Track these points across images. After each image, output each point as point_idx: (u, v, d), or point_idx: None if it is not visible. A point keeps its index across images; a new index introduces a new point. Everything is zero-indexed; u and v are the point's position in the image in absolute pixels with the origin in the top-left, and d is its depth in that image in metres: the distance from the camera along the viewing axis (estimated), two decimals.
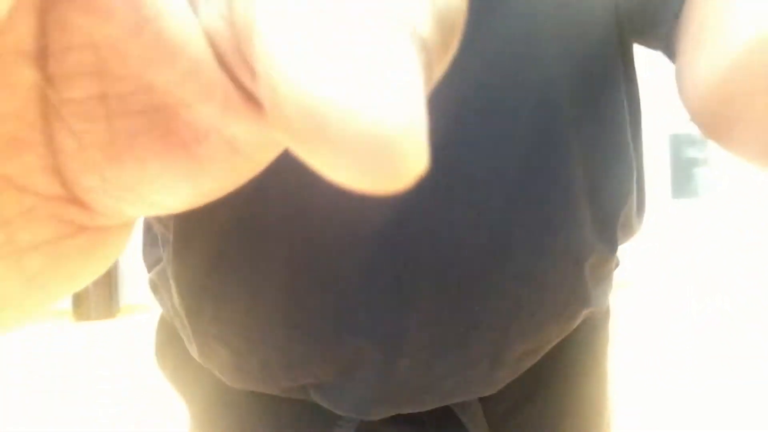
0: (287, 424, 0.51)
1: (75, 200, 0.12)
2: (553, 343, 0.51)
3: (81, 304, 4.70)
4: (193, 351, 0.50)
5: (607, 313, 0.59)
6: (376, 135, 0.08)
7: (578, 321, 0.51)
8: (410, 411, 0.48)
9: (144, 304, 5.69)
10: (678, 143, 4.63)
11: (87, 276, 0.13)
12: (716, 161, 4.28)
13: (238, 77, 0.11)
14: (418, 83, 0.08)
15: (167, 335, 0.57)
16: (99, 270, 0.13)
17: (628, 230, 0.53)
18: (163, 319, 0.58)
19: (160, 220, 0.49)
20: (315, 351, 0.46)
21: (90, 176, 0.12)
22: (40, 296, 0.12)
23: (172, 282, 0.49)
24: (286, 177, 0.42)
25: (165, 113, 0.11)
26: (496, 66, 0.42)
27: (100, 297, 5.10)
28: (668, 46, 0.42)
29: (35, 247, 0.12)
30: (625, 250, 0.54)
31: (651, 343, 3.17)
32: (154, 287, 0.56)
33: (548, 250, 0.46)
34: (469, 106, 0.42)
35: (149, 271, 0.58)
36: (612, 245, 0.51)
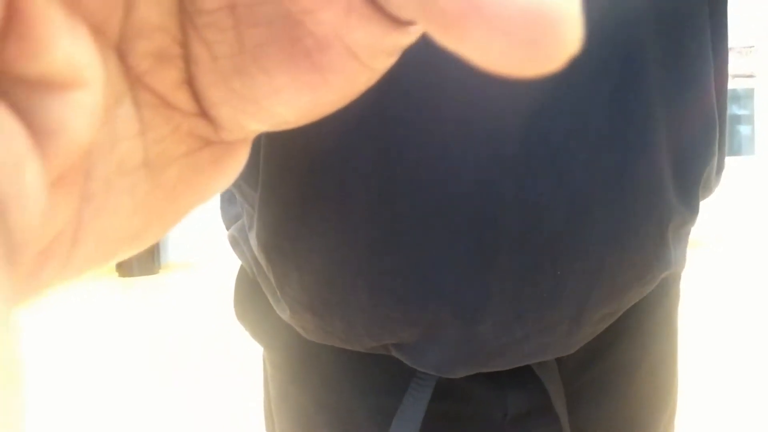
0: (367, 377, 0.52)
1: (204, 115, 0.13)
2: (631, 305, 0.50)
3: (124, 261, 4.84)
4: (284, 313, 0.51)
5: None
6: (537, 11, 0.08)
7: (657, 283, 0.51)
8: (489, 370, 0.49)
9: (183, 261, 5.83)
10: None
11: (214, 188, 0.14)
12: (761, 119, 4.14)
13: None
14: None
15: (247, 289, 0.58)
16: (225, 183, 0.14)
17: (707, 190, 0.53)
18: (243, 273, 0.59)
19: (242, 186, 0.50)
20: (398, 314, 0.46)
21: (219, 89, 0.12)
22: (176, 208, 0.13)
23: (260, 252, 0.50)
24: (371, 134, 0.42)
25: (290, 22, 0.12)
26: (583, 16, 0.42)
27: (143, 255, 5.24)
28: None
29: (174, 160, 0.13)
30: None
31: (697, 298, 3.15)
32: (234, 242, 0.57)
33: (631, 214, 0.46)
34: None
35: (228, 227, 0.59)
36: (694, 207, 0.50)
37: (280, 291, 0.50)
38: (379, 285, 0.46)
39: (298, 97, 0.12)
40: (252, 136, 0.14)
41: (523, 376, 0.51)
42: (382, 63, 0.12)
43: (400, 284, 0.45)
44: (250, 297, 0.57)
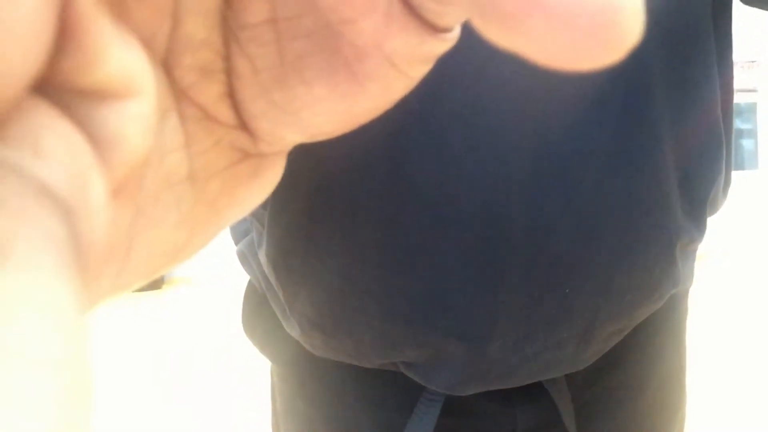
0: (375, 392, 0.52)
1: (243, 127, 0.13)
2: (639, 321, 0.51)
3: None
4: (294, 330, 0.51)
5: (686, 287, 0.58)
6: (600, 1, 0.08)
7: (665, 300, 0.51)
8: (498, 388, 0.49)
9: (188, 277, 5.83)
10: None
11: (254, 200, 0.14)
12: (764, 133, 4.15)
13: None
14: None
15: (256, 304, 0.58)
16: (262, 195, 0.14)
17: (714, 207, 0.53)
18: (251, 288, 0.59)
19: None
20: (408, 334, 0.47)
21: (259, 101, 0.13)
22: (218, 221, 0.14)
23: (269, 269, 0.50)
24: (379, 155, 0.43)
25: (329, 33, 0.12)
26: None
27: None
28: None
29: (216, 173, 0.13)
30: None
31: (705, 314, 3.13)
32: (243, 258, 0.58)
33: (640, 233, 0.46)
34: (559, 91, 0.42)
35: (236, 243, 0.59)
36: (701, 225, 0.50)
37: (289, 308, 0.50)
38: (388, 305, 0.46)
39: (336, 107, 0.13)
40: (289, 148, 0.14)
41: (533, 392, 0.51)
42: (419, 70, 0.12)
43: (409, 304, 0.46)
44: (258, 312, 0.58)
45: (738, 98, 4.08)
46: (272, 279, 0.50)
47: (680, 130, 0.46)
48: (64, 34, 0.09)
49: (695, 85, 0.47)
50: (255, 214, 0.50)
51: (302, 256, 0.47)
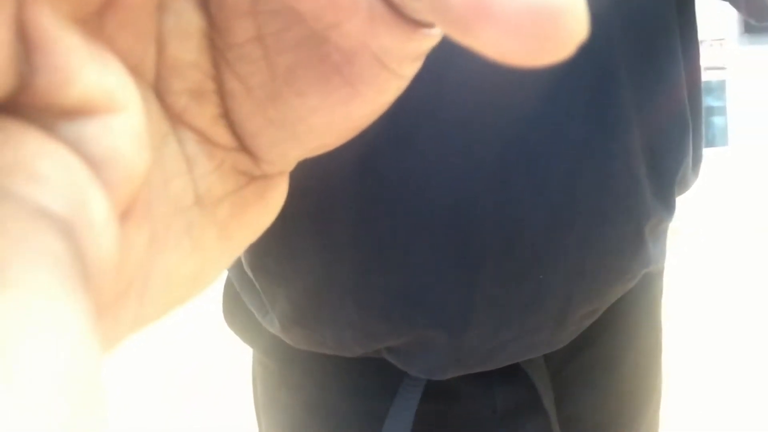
0: (357, 380, 0.53)
1: (244, 149, 0.13)
2: (613, 301, 0.52)
3: None
4: (273, 326, 0.51)
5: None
6: (542, 6, 0.08)
7: (637, 279, 0.52)
8: (478, 371, 0.50)
9: None
10: None
11: (263, 223, 0.14)
12: (733, 110, 4.21)
13: None
14: None
15: (235, 296, 0.58)
16: (271, 217, 0.14)
17: (684, 186, 0.54)
18: (229, 282, 0.59)
19: None
20: (387, 327, 0.47)
21: (255, 119, 0.13)
22: (230, 246, 0.14)
23: (248, 269, 0.49)
24: (349, 156, 0.42)
25: (316, 41, 0.12)
26: None
27: None
28: None
29: (225, 197, 0.13)
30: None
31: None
32: None
33: (610, 217, 0.47)
34: (526, 81, 0.42)
35: None
36: (670, 205, 0.51)
37: (270, 306, 0.50)
38: (366, 302, 0.46)
39: (333, 115, 0.13)
40: (291, 166, 0.14)
41: (511, 373, 0.51)
42: (409, 68, 0.13)
43: (388, 300, 0.46)
44: (237, 301, 0.58)
45: (708, 76, 4.12)
46: (252, 279, 0.50)
47: (646, 112, 0.46)
48: (30, 53, 0.09)
49: (660, 68, 0.47)
50: None
51: (277, 256, 0.47)
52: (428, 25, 0.12)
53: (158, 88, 0.12)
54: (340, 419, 0.53)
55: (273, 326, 0.51)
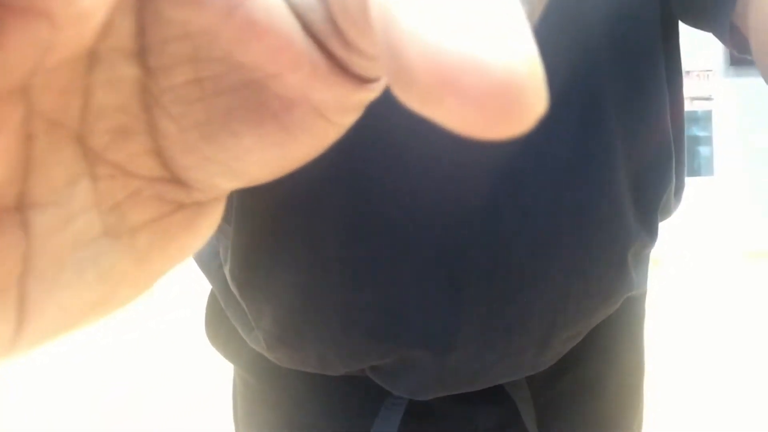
0: (338, 399, 0.52)
1: (175, 179, 0.13)
2: (595, 325, 0.52)
3: None
4: (258, 344, 0.51)
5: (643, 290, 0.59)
6: (507, 83, 0.08)
7: (620, 303, 0.52)
8: (461, 392, 0.50)
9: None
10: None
11: (189, 249, 0.14)
12: (719, 140, 4.26)
13: (325, 45, 0.11)
14: (528, 31, 0.09)
15: (218, 311, 0.58)
16: (199, 243, 0.14)
17: (666, 212, 0.54)
18: (214, 296, 0.59)
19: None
20: (371, 346, 0.47)
21: (189, 156, 0.12)
22: (150, 272, 0.13)
23: (233, 285, 0.49)
24: (339, 175, 0.42)
25: (255, 87, 0.12)
26: (544, 56, 0.42)
27: None
28: (721, 24, 0.41)
29: (143, 226, 0.13)
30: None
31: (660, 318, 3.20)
32: (207, 270, 0.56)
33: (594, 242, 0.47)
34: None
35: (201, 255, 0.58)
36: (653, 231, 0.52)
37: (255, 324, 0.50)
38: (352, 320, 0.46)
39: (267, 156, 0.12)
40: (225, 194, 0.14)
41: (493, 394, 0.51)
42: (348, 118, 0.12)
43: (373, 319, 0.46)
44: (221, 317, 0.57)
45: (695, 106, 4.18)
46: (238, 296, 0.49)
47: (631, 141, 0.47)
48: None
49: (646, 96, 0.47)
50: (222, 230, 0.49)
51: (265, 273, 0.47)
52: (372, 81, 0.12)
53: (81, 132, 0.11)
54: None
55: (258, 344, 0.51)
